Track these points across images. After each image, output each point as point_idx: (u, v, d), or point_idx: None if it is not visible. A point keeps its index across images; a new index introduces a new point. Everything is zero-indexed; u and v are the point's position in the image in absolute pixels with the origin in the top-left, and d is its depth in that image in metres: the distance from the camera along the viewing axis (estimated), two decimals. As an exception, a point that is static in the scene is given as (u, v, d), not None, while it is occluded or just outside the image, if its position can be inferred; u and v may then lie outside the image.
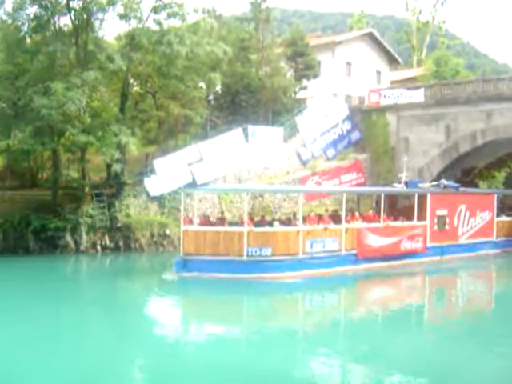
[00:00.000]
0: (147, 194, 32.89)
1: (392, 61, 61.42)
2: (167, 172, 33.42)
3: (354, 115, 40.75)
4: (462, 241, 33.55)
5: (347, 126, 39.71)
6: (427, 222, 31.41)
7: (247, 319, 20.84)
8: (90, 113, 33.78)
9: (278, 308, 22.29)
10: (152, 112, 41.90)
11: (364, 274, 27.58)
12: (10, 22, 36.39)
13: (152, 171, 34.83)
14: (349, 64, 55.42)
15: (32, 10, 35.26)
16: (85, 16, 35.43)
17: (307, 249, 26.43)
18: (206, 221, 28.02)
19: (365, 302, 23.86)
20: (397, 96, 40.82)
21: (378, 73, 58.96)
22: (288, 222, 27.98)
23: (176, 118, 41.50)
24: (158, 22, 37.22)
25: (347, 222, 28.49)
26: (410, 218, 30.75)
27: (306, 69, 48.05)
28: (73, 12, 35.28)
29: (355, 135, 40.29)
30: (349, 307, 23.01)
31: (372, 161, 40.28)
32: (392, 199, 32.77)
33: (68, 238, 34.36)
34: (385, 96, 41.43)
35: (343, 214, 28.34)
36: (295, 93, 47.78)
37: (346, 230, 27.87)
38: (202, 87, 43.89)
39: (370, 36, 58.82)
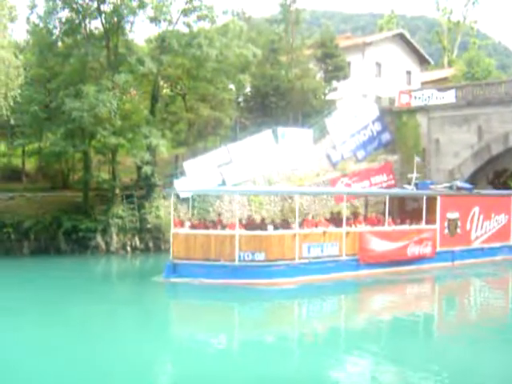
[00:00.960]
0: (177, 196, 33.07)
1: (423, 61, 60.87)
2: (197, 174, 33.74)
3: (384, 116, 40.64)
4: (476, 245, 31.69)
5: (377, 127, 39.71)
6: (437, 226, 29.75)
7: (237, 328, 19.52)
8: (120, 115, 34.03)
9: (271, 316, 21.06)
10: (182, 114, 42.07)
11: (367, 280, 25.99)
12: (41, 25, 36.82)
13: (182, 173, 35.15)
14: (379, 65, 55.05)
15: (63, 13, 35.77)
16: (115, 19, 35.70)
17: (304, 253, 24.88)
18: (199, 223, 26.95)
19: (367, 310, 22.43)
20: (427, 97, 40.41)
21: (409, 73, 58.48)
22: (286, 224, 26.71)
23: (206, 120, 41.59)
24: (188, 25, 37.39)
25: (350, 225, 27.08)
26: (419, 221, 29.30)
27: (336, 70, 47.80)
28: (103, 15, 35.62)
29: (385, 136, 40.27)
30: (349, 315, 21.58)
31: (403, 162, 39.87)
32: (401, 201, 31.71)
33: (99, 238, 34.64)
34: (415, 97, 41.06)
35: (344, 216, 26.91)
36: (325, 94, 47.60)
37: (347, 233, 26.28)
38: (231, 89, 43.96)
39: (401, 37, 58.37)
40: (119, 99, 33.78)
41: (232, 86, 43.76)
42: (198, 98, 41.41)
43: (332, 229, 26.28)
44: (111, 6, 35.38)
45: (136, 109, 37.88)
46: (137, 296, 23.74)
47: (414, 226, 28.99)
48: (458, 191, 31.70)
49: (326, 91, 47.68)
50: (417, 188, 31.00)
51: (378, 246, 27.24)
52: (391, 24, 75.07)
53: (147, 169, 34.94)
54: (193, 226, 26.18)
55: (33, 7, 36.49)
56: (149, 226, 35.22)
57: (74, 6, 35.02)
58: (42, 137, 38.63)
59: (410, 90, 44.96)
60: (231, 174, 34.27)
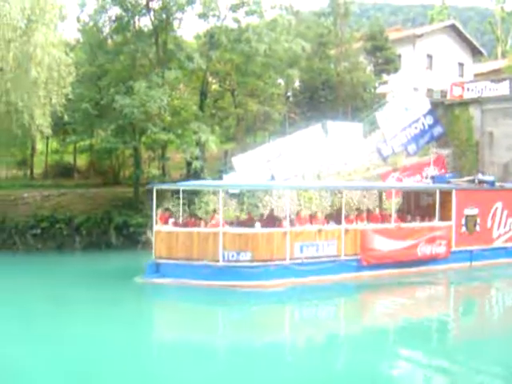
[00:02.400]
0: (226, 191, 33.06)
1: (475, 53, 59.65)
2: (246, 169, 33.67)
3: (435, 109, 39.85)
4: (498, 244, 28.73)
5: (429, 120, 38.96)
6: (452, 223, 27.06)
7: (219, 335, 17.65)
8: (170, 111, 34.20)
9: (257, 321, 19.21)
10: (231, 109, 42.13)
11: (370, 282, 23.67)
12: (91, 24, 37.28)
13: (231, 168, 35.14)
14: (430, 57, 54.17)
15: (113, 11, 36.14)
16: (164, 16, 35.92)
17: (296, 253, 22.87)
18: (189, 221, 25.39)
19: (369, 315, 20.31)
20: (481, 89, 39.46)
21: (461, 65, 57.38)
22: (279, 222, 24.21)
23: (255, 115, 41.58)
24: (237, 20, 37.34)
25: (350, 222, 24.96)
26: (434, 217, 26.90)
27: (386, 63, 47.19)
28: (152, 12, 35.87)
29: (437, 130, 39.50)
30: (348, 320, 19.74)
31: (455, 156, 39.10)
32: (417, 197, 29.59)
33: (149, 234, 34.85)
34: (468, 89, 40.16)
35: (342, 212, 24.61)
36: (375, 88, 47.04)
37: (347, 231, 24.06)
38: (280, 84, 43.79)
39: (452, 28, 57.27)
40: (169, 95, 33.97)
41: (281, 81, 43.60)
42: (247, 94, 41.41)
43: (328, 226, 24.29)
44: (160, 3, 35.60)
45: (185, 105, 38.06)
46: (110, 298, 21.40)
47: (425, 223, 26.65)
48: (478, 185, 29.26)
49: (376, 84, 47.12)
50: (433, 181, 29.20)
51: (383, 245, 24.83)
52: (442, 15, 73.77)
53: (197, 164, 35.04)
54: (184, 224, 24.83)
55: (83, 6, 36.94)
56: (199, 221, 35.31)
57: (124, 3, 35.33)
58: (93, 133, 39.15)
59: (462, 82, 44.03)
60: (280, 169, 34.11)
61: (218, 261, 22.39)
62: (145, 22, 37.17)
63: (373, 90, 46.73)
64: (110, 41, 37.93)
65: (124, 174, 43.68)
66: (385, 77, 47.42)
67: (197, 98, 40.13)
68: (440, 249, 26.48)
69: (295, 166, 34.46)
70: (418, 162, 36.16)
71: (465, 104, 40.01)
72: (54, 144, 47.55)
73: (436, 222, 26.74)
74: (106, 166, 44.02)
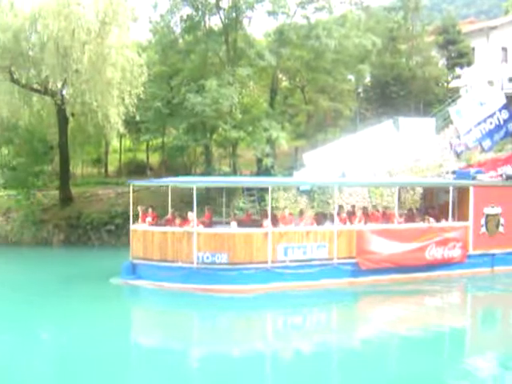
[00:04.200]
0: (297, 188, 33.07)
1: (553, 44, 57.77)
2: (316, 165, 33.61)
3: (511, 104, 38.85)
4: None
5: (504, 115, 37.99)
6: (470, 223, 24.38)
7: (189, 342, 16.40)
8: (240, 109, 34.43)
9: (232, 330, 17.69)
10: (301, 106, 42.04)
11: (368, 289, 21.57)
12: (162, 24, 37.89)
13: (302, 165, 35.13)
14: (505, 50, 52.64)
15: (184, 11, 36.60)
16: (234, 14, 36.16)
17: (279, 256, 21.21)
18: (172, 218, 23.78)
19: (361, 326, 18.01)
20: (558, 82, 38.35)
21: (538, 57, 55.69)
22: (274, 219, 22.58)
23: (325, 112, 41.39)
24: (306, 17, 37.25)
25: (343, 221, 23.06)
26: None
27: (459, 57, 46.25)
28: (222, 11, 36.15)
29: (513, 125, 38.48)
30: (336, 331, 17.69)
31: (532, 151, 38.03)
32: (436, 194, 27.28)
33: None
34: (545, 82, 39.05)
35: (335, 212, 22.91)
36: (448, 82, 46.19)
37: (340, 232, 22.14)
38: (350, 80, 43.49)
39: (528, 19, 55.63)
40: (239, 93, 34.20)
41: (351, 77, 43.30)
42: (317, 90, 41.23)
43: (318, 227, 22.53)
44: (230, 2, 35.85)
45: (256, 102, 38.26)
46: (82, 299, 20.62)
47: (435, 224, 23.94)
48: (503, 181, 26.48)
49: (449, 79, 46.27)
50: (455, 178, 26.63)
51: (384, 247, 22.68)
52: (518, 6, 71.64)
53: (267, 161, 35.18)
54: (167, 222, 23.56)
55: (155, 7, 37.60)
56: (269, 218, 35.40)
57: (194, 3, 35.75)
58: (164, 132, 39.80)
59: (539, 74, 42.75)
60: (351, 166, 33.91)
61: (192, 262, 21.17)
62: (215, 21, 37.55)
63: (445, 85, 45.92)
64: (181, 40, 38.45)
65: (195, 171, 44.22)
66: (458, 71, 46.48)
67: (267, 96, 40.29)
68: (454, 252, 23.97)
69: (366, 162, 34.20)
70: (492, 158, 35.26)
71: (541, 98, 38.88)
72: (127, 142, 48.65)
73: (449, 222, 24.31)
74: (177, 164, 44.69)
